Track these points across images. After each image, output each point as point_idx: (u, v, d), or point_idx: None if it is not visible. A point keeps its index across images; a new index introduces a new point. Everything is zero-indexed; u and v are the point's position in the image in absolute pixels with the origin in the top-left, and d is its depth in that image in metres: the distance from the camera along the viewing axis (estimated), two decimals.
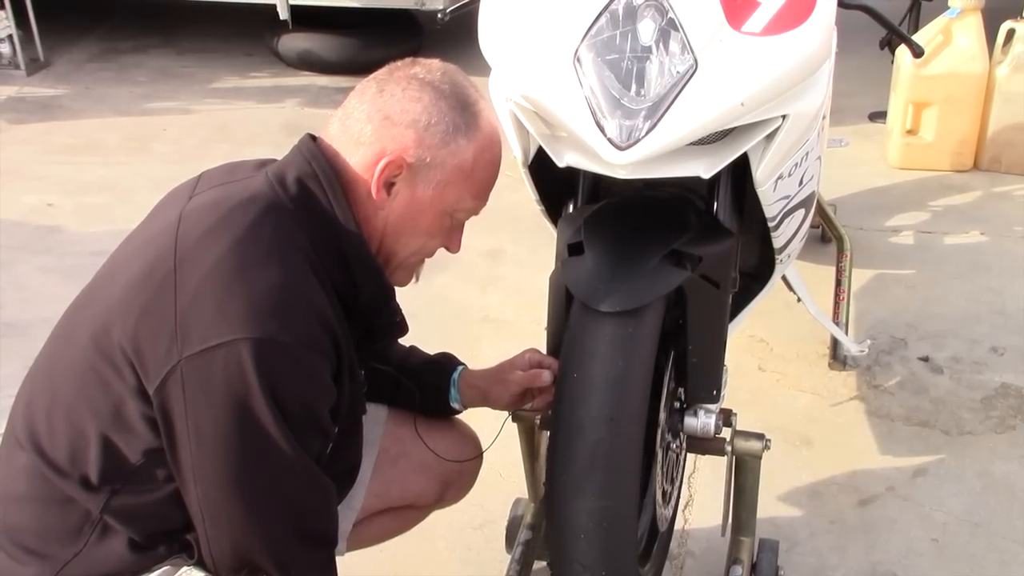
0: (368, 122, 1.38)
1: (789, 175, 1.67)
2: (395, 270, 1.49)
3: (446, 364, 1.79)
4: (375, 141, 1.38)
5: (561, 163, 1.59)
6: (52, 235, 3.53)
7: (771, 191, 1.64)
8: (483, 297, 3.11)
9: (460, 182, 1.42)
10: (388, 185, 1.40)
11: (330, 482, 1.39)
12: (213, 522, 1.34)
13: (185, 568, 1.38)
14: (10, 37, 4.91)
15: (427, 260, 1.58)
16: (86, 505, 1.36)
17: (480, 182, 1.45)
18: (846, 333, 2.75)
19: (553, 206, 1.92)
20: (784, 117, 1.53)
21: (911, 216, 3.59)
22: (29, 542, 1.39)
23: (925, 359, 2.80)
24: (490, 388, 1.75)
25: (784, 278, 2.49)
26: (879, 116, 4.21)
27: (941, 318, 2.98)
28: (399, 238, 1.45)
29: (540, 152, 1.69)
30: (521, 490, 2.13)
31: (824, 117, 1.75)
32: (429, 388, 1.75)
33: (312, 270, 1.33)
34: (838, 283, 2.91)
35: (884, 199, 3.72)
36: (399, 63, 1.45)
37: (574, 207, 1.80)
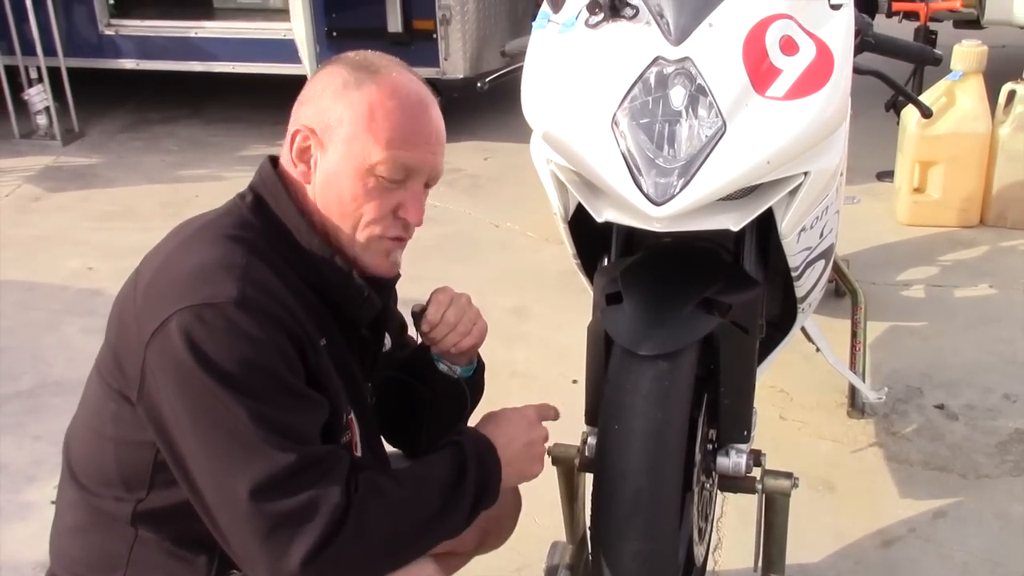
0: (289, 121, 1.49)
1: (811, 227, 1.79)
2: (358, 253, 1.49)
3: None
4: (289, 128, 1.47)
5: (600, 218, 1.71)
6: (94, 298, 3.67)
7: (795, 242, 1.76)
8: (510, 352, 3.22)
9: (363, 133, 1.42)
10: (305, 157, 1.45)
11: (312, 452, 1.33)
12: (219, 512, 1.33)
13: None
14: (47, 109, 5.11)
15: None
16: (119, 521, 1.46)
17: (385, 129, 1.42)
18: (863, 382, 2.85)
19: (587, 261, 2.05)
20: (806, 174, 1.66)
21: (921, 271, 3.70)
22: (82, 572, 1.50)
23: (940, 407, 2.90)
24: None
25: (803, 330, 2.61)
26: (887, 175, 4.35)
27: (954, 367, 3.08)
28: (332, 210, 1.46)
29: (576, 209, 1.83)
30: (556, 535, 2.21)
31: (841, 174, 1.88)
32: (414, 367, 1.74)
33: (260, 258, 1.39)
34: (854, 335, 3.02)
35: (894, 255, 3.84)
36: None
37: (608, 261, 1.92)
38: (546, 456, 1.73)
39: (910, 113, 3.95)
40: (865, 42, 1.87)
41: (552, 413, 1.67)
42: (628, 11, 1.68)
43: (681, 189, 1.58)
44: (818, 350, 2.67)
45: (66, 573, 1.53)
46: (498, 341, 3.36)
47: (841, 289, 3.40)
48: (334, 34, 4.84)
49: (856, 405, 2.87)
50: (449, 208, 4.38)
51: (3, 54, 5.11)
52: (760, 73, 1.62)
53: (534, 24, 1.83)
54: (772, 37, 1.64)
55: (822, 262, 1.99)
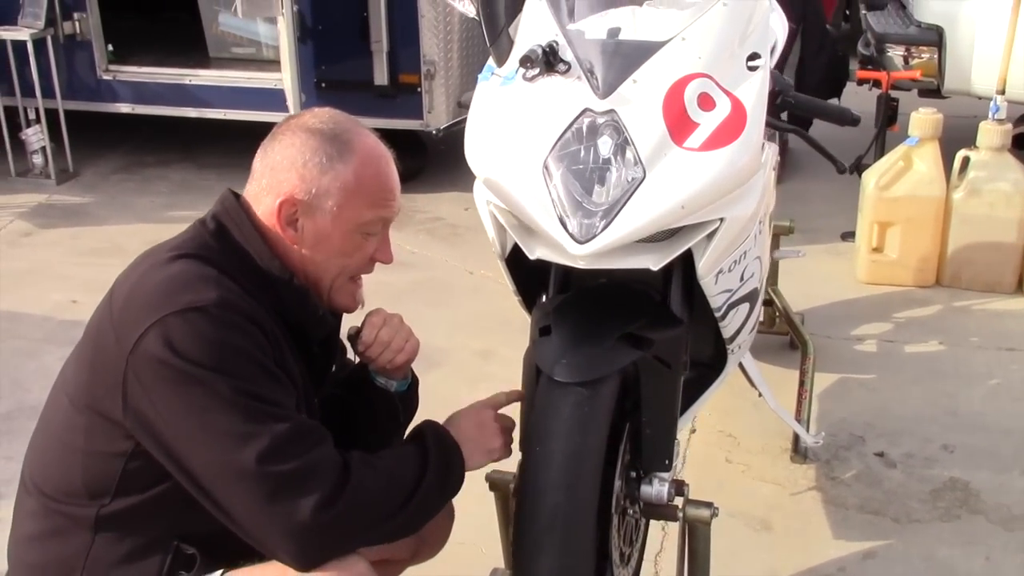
0: (262, 177, 1.64)
1: (729, 270, 1.93)
2: (332, 294, 1.69)
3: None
4: (270, 191, 1.62)
5: (532, 256, 1.85)
6: (76, 328, 3.73)
7: (713, 283, 1.90)
8: (473, 393, 3.27)
9: (352, 200, 1.62)
10: (292, 223, 1.62)
11: (303, 422, 1.52)
12: (226, 493, 1.49)
13: None
14: (43, 149, 5.27)
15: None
16: (80, 527, 1.59)
17: (371, 194, 1.64)
18: (807, 430, 2.97)
19: (529, 297, 2.18)
20: (721, 220, 1.80)
21: (875, 327, 3.83)
22: None
23: (880, 454, 3.01)
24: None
25: (747, 375, 2.74)
26: (850, 236, 4.49)
27: (898, 418, 3.20)
28: (319, 263, 1.65)
29: (518, 248, 1.96)
30: (498, 562, 2.32)
31: (761, 222, 2.02)
32: (352, 384, 1.90)
33: (224, 274, 1.55)
34: (801, 383, 3.15)
35: (851, 311, 3.97)
36: (286, 117, 1.71)
37: (546, 297, 2.05)
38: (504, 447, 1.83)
39: (870, 175, 4.11)
40: (786, 102, 2.03)
41: (503, 398, 1.89)
42: (561, 66, 1.83)
43: (603, 229, 1.72)
44: (760, 395, 2.79)
45: None
46: (463, 380, 3.48)
47: (795, 342, 3.53)
48: (323, 85, 5.01)
49: (799, 450, 2.99)
50: (427, 255, 4.53)
51: (3, 95, 5.27)
52: (678, 126, 1.77)
53: (480, 76, 1.98)
54: (691, 93, 1.79)
55: (746, 305, 2.12)
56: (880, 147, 4.43)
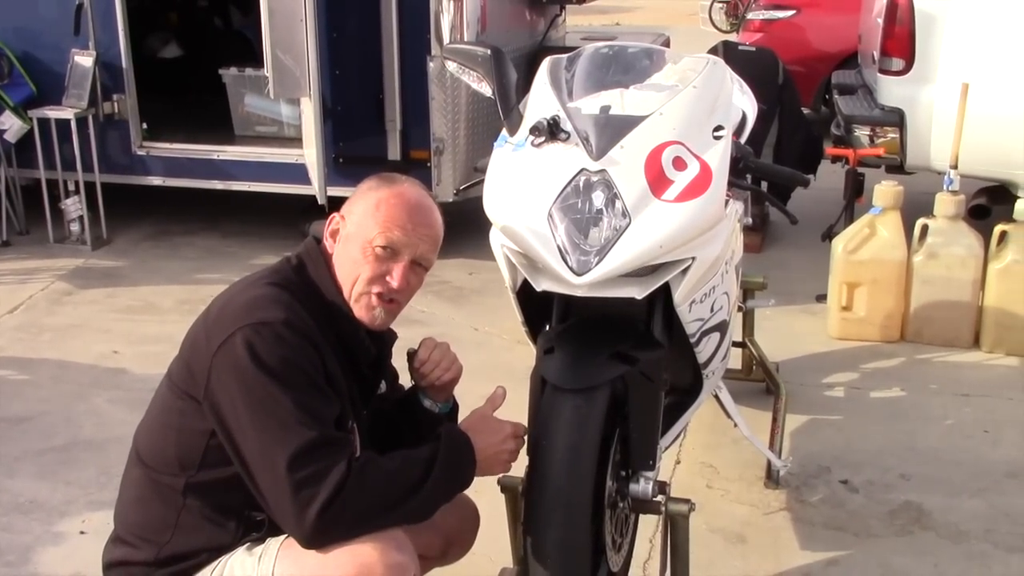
0: None
1: (701, 301, 2.33)
2: (352, 305, 2.03)
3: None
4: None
5: (539, 288, 2.26)
6: (119, 375, 4.18)
7: (687, 311, 2.30)
8: None
9: (368, 218, 2.02)
10: (334, 233, 2.06)
11: (330, 434, 1.86)
12: (261, 477, 1.86)
13: (259, 547, 1.95)
14: (81, 218, 5.70)
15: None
16: (173, 492, 1.97)
17: (383, 217, 2.01)
18: (778, 457, 3.34)
19: (534, 329, 2.58)
20: (693, 258, 2.21)
21: (844, 376, 4.23)
22: (141, 532, 2.02)
23: (845, 482, 3.38)
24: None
25: (724, 407, 3.13)
26: (823, 298, 4.90)
27: (861, 452, 3.58)
28: (342, 270, 2.04)
29: (526, 286, 2.37)
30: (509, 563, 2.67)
31: (727, 263, 2.43)
32: (403, 402, 2.28)
33: (297, 300, 1.96)
34: (774, 420, 3.54)
35: (823, 363, 4.36)
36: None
37: (550, 327, 2.45)
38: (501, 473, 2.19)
39: (839, 241, 4.55)
40: (747, 166, 2.45)
41: (522, 431, 2.17)
42: (562, 135, 2.26)
43: (596, 264, 2.14)
44: (735, 425, 3.17)
45: (128, 535, 2.05)
46: None
47: (770, 388, 3.93)
48: (341, 160, 5.47)
49: (772, 477, 3.36)
50: (435, 313, 4.93)
51: (46, 168, 5.72)
52: (657, 182, 2.19)
53: (495, 143, 2.41)
54: (667, 157, 2.21)
55: (717, 334, 2.52)
56: (849, 217, 4.89)
